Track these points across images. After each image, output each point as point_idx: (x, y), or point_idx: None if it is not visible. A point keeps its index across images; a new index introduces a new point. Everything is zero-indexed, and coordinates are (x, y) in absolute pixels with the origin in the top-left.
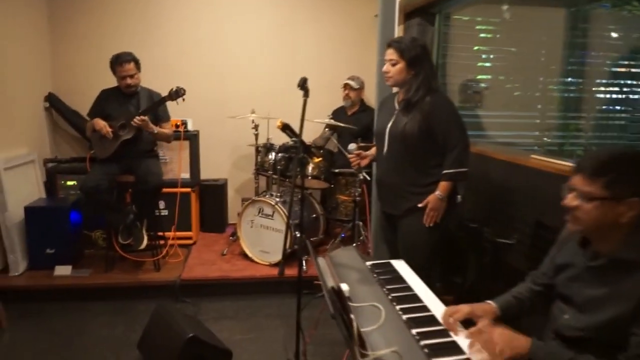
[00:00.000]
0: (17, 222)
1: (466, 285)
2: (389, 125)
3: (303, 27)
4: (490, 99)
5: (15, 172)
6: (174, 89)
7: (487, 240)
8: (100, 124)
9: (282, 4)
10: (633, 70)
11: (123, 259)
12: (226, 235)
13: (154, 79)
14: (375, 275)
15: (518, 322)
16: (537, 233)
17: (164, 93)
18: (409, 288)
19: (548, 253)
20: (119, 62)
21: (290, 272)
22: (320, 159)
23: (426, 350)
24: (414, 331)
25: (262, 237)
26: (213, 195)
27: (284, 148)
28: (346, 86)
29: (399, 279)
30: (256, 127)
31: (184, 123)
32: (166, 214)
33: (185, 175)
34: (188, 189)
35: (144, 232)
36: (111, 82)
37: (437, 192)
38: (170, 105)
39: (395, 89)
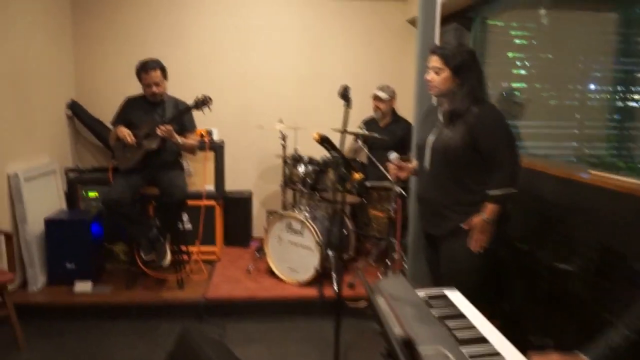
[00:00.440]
0: (37, 235)
1: (513, 311)
2: (432, 138)
3: (332, 33)
4: (516, 108)
5: (36, 183)
6: (200, 98)
7: (541, 265)
8: (124, 132)
9: (310, 11)
10: None
11: (145, 275)
12: (251, 250)
13: (178, 86)
14: (433, 311)
15: None
16: (604, 259)
17: (189, 102)
18: (473, 327)
19: None
20: (145, 69)
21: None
22: (361, 174)
23: None
24: None
25: (290, 254)
26: (238, 208)
27: (314, 160)
28: (375, 97)
29: (460, 315)
30: (284, 137)
31: (210, 133)
32: (190, 227)
33: (210, 187)
34: (213, 202)
35: (167, 247)
36: (135, 89)
37: (484, 215)
38: (195, 114)
39: (434, 99)
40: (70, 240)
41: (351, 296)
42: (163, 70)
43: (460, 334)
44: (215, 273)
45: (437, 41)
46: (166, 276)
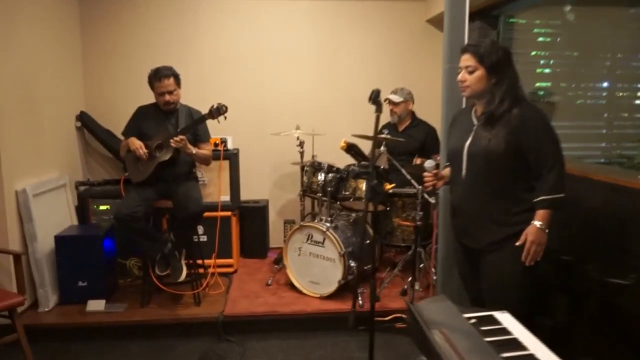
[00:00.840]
0: (47, 253)
1: (557, 329)
2: (467, 143)
3: (348, 35)
4: (547, 108)
5: (45, 198)
6: (214, 106)
7: (589, 278)
8: (136, 143)
9: (326, 13)
10: None
11: (160, 290)
12: (268, 261)
13: (190, 95)
14: (486, 339)
15: None
16: None
17: (202, 110)
18: (532, 357)
19: None
20: (157, 76)
21: (342, 305)
22: (393, 185)
23: None
24: None
25: (312, 267)
26: (254, 218)
27: (334, 168)
28: (389, 101)
29: (517, 343)
30: (301, 144)
31: (224, 141)
32: (205, 240)
33: (226, 197)
34: (228, 213)
35: (183, 262)
36: (147, 98)
37: (537, 222)
38: (208, 122)
39: (463, 102)
40: (82, 257)
41: (378, 310)
42: (176, 77)
43: None
44: (233, 287)
45: (466, 40)
46: (182, 292)
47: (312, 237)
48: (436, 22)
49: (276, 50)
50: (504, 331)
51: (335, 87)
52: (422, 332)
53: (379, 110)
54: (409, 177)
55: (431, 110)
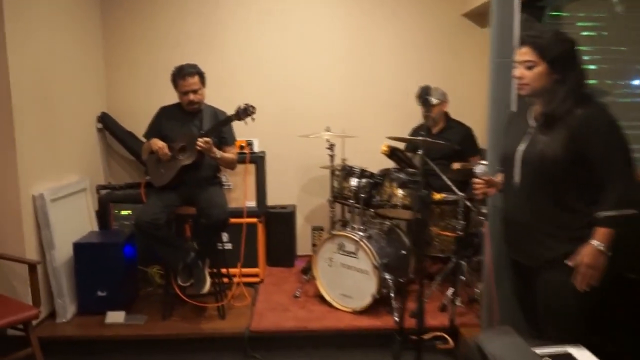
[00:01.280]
0: (66, 261)
1: (621, 355)
2: (522, 147)
3: (380, 31)
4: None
5: (64, 203)
6: (241, 107)
7: None
8: (159, 144)
9: (356, 8)
10: None
11: (182, 302)
12: (296, 270)
13: (214, 94)
14: None
15: None
16: None
17: (227, 111)
18: None
19: None
20: (181, 75)
21: (377, 321)
22: (443, 195)
23: None
24: None
25: (343, 279)
26: (280, 225)
27: (367, 172)
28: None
29: None
30: (331, 147)
31: (249, 144)
32: (230, 247)
33: (251, 203)
34: (254, 219)
35: (207, 272)
36: (170, 98)
37: (595, 242)
38: (234, 124)
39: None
40: (101, 266)
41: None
42: (201, 76)
43: None
44: (259, 299)
45: (516, 32)
46: (206, 303)
47: (344, 246)
48: (473, 15)
49: (305, 46)
50: None
51: (366, 86)
52: None
53: (428, 110)
54: (449, 183)
55: (466, 110)
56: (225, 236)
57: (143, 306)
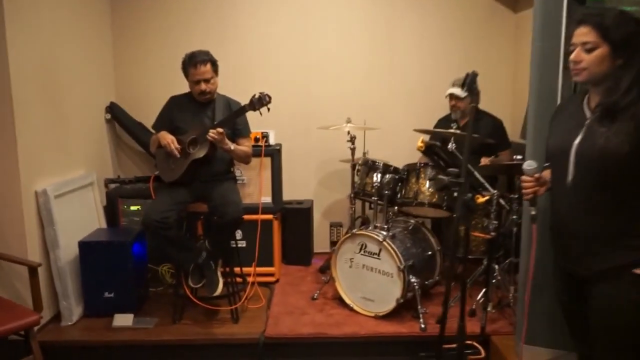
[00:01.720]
0: (71, 260)
1: None
2: (577, 141)
3: (405, 17)
4: None
5: (70, 199)
6: (256, 96)
7: None
8: (167, 138)
9: None
10: None
11: (193, 304)
12: (313, 269)
13: (229, 84)
14: None
15: None
16: None
17: (242, 101)
18: None
19: None
20: (192, 62)
21: (401, 327)
22: (486, 197)
23: None
24: None
25: (365, 281)
26: (297, 221)
27: (390, 167)
28: (451, 96)
29: None
30: (352, 139)
31: (265, 136)
32: (244, 245)
33: (267, 199)
34: (269, 216)
35: (219, 273)
36: (181, 88)
37: None
38: (248, 115)
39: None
40: (109, 266)
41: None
42: (214, 64)
43: None
44: (275, 301)
45: (564, 13)
46: (218, 306)
47: (365, 247)
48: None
49: (324, 33)
50: None
51: (389, 76)
52: None
53: (474, 99)
54: (482, 180)
55: (497, 100)
56: (239, 234)
57: (152, 307)
